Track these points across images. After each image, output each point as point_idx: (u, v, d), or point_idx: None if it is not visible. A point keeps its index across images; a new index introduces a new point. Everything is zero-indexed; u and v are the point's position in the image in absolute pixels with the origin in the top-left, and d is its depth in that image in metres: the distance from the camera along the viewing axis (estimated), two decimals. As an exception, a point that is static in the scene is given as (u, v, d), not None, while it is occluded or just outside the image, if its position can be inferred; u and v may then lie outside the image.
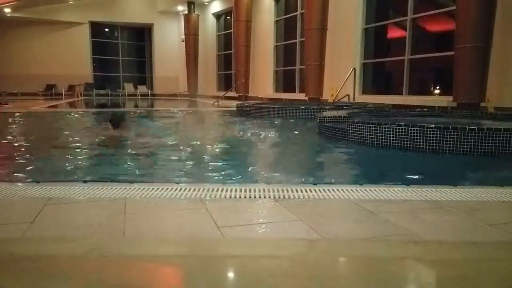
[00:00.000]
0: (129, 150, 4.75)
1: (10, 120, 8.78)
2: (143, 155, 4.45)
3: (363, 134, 4.66)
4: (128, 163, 3.99)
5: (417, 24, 9.92)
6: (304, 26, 11.83)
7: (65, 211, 2.09)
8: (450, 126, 4.11)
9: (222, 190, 2.47)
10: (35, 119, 9.29)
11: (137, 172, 3.54)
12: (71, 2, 21.42)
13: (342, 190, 2.51)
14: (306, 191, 2.47)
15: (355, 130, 4.76)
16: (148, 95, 22.96)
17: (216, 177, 3.40)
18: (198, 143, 5.64)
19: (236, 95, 16.31)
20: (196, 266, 1.49)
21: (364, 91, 11.33)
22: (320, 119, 5.70)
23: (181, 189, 2.50)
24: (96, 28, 23.38)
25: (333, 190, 2.51)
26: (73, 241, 1.71)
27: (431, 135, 4.17)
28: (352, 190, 2.50)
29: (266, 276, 1.38)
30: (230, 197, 2.37)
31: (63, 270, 1.44)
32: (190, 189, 2.49)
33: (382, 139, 4.48)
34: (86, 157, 4.42)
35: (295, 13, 14.28)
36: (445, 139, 4.12)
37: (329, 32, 11.46)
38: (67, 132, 6.85)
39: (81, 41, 22.59)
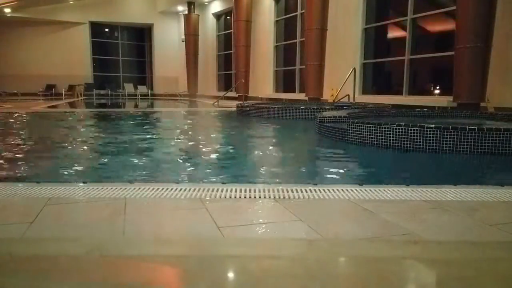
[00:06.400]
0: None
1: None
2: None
3: (363, 134, 4.66)
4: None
5: (417, 24, 9.92)
6: (304, 26, 11.84)
7: (65, 211, 2.09)
8: (450, 126, 4.11)
9: (222, 190, 2.47)
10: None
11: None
12: (71, 2, 21.43)
13: (342, 190, 2.51)
14: (306, 191, 2.47)
15: (355, 130, 4.76)
16: (148, 95, 22.97)
17: (211, 174, 3.40)
18: (196, 142, 5.65)
19: (236, 95, 16.32)
20: (196, 266, 1.49)
21: (364, 91, 11.33)
22: (320, 119, 5.70)
23: (181, 189, 2.50)
24: (96, 28, 23.39)
25: (333, 190, 2.51)
26: (73, 241, 1.71)
27: (431, 135, 4.17)
28: (352, 190, 2.51)
29: (266, 276, 1.38)
30: (230, 197, 2.36)
31: (63, 270, 1.44)
32: (190, 189, 2.49)
33: (382, 139, 4.48)
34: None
35: (295, 13, 14.29)
36: (445, 139, 4.12)
37: (329, 32, 11.46)
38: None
39: (81, 41, 22.62)
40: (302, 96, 12.46)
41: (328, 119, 5.64)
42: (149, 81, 25.26)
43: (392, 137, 4.39)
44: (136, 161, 4.05)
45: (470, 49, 7.17)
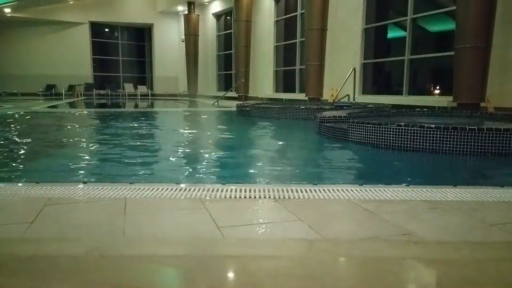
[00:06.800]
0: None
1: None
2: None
3: (363, 134, 4.66)
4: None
5: (417, 24, 9.92)
6: (304, 26, 11.84)
7: (65, 211, 2.09)
8: (450, 126, 4.11)
9: (222, 190, 2.47)
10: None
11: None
12: (71, 2, 21.43)
13: (342, 190, 2.51)
14: (306, 191, 2.46)
15: (355, 130, 4.76)
16: (148, 95, 22.97)
17: (212, 173, 3.41)
18: (196, 143, 5.66)
19: (236, 95, 16.32)
20: (196, 266, 1.49)
21: (364, 91, 11.33)
22: (320, 119, 5.70)
23: (181, 189, 2.50)
24: (96, 28, 23.39)
25: (333, 190, 2.51)
26: (73, 241, 1.71)
27: (431, 136, 4.17)
28: (352, 190, 2.50)
29: (266, 276, 1.38)
30: (230, 197, 2.36)
31: (63, 270, 1.44)
32: (190, 189, 2.49)
33: (382, 139, 4.48)
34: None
35: (295, 13, 14.29)
36: (445, 139, 4.12)
37: (329, 32, 11.47)
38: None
39: (81, 41, 22.60)
40: (302, 96, 12.46)
41: (328, 119, 5.64)
42: (149, 81, 25.25)
43: (392, 137, 4.39)
44: (141, 160, 4.06)
45: (470, 49, 7.17)
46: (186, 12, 20.84)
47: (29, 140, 5.71)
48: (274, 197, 2.35)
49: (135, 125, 8.14)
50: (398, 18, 10.86)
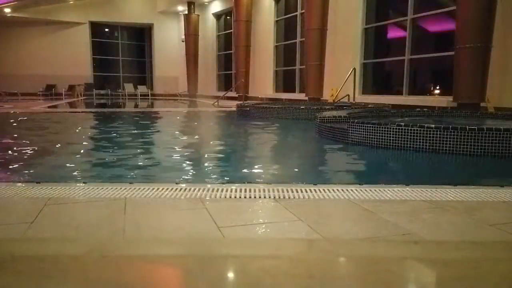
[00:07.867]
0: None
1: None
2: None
3: (363, 134, 4.66)
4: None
5: (417, 24, 9.92)
6: (304, 26, 11.84)
7: (65, 211, 2.09)
8: (450, 126, 4.11)
9: (222, 190, 2.47)
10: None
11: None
12: (71, 2, 21.43)
13: (342, 190, 2.51)
14: (306, 191, 2.46)
15: (355, 131, 4.76)
16: (148, 95, 22.97)
17: (212, 173, 3.41)
18: (195, 142, 5.66)
19: (236, 95, 16.31)
20: (196, 266, 1.49)
21: (364, 91, 11.33)
22: (320, 120, 5.70)
23: (181, 189, 2.50)
24: (96, 28, 23.38)
25: (333, 190, 2.51)
26: (73, 241, 1.71)
27: (431, 136, 4.17)
28: (352, 190, 2.50)
29: (266, 276, 1.38)
30: (230, 197, 2.36)
31: (63, 270, 1.44)
32: (190, 189, 2.49)
33: (382, 139, 4.47)
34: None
35: (295, 13, 14.29)
36: (445, 139, 4.11)
37: (329, 32, 11.46)
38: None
39: (81, 41, 22.60)
40: (302, 96, 12.46)
41: (328, 119, 5.64)
42: (149, 81, 25.25)
43: (392, 137, 4.39)
44: (141, 160, 4.06)
45: (470, 49, 7.17)
46: (186, 12, 20.84)
47: (28, 139, 5.71)
48: (274, 197, 2.35)
49: (135, 125, 8.14)
50: (398, 18, 10.85)
